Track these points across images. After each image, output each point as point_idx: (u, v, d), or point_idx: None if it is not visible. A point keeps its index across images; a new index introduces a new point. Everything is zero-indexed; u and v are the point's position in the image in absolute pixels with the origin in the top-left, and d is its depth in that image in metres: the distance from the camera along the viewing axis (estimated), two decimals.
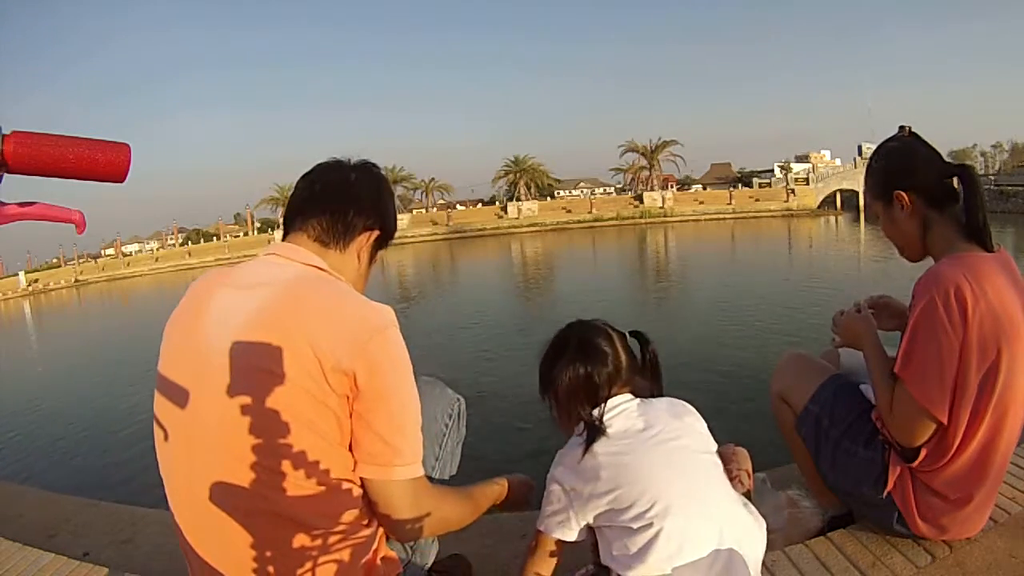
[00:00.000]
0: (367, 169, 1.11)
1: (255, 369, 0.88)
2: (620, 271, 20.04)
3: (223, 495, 0.89)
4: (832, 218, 37.41)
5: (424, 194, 58.47)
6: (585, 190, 66.35)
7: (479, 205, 58.98)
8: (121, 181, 0.59)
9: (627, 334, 1.15)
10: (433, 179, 58.10)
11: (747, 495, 1.09)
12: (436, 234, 46.45)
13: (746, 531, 1.00)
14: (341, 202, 1.06)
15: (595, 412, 1.04)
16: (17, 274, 42.52)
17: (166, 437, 0.96)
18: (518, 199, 51.54)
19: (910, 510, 1.31)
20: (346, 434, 0.92)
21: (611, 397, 1.06)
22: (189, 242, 53.33)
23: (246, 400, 0.87)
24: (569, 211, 49.09)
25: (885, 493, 1.32)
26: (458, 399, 1.34)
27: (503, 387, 6.03)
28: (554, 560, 1.09)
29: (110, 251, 54.43)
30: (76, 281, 41.87)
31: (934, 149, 1.33)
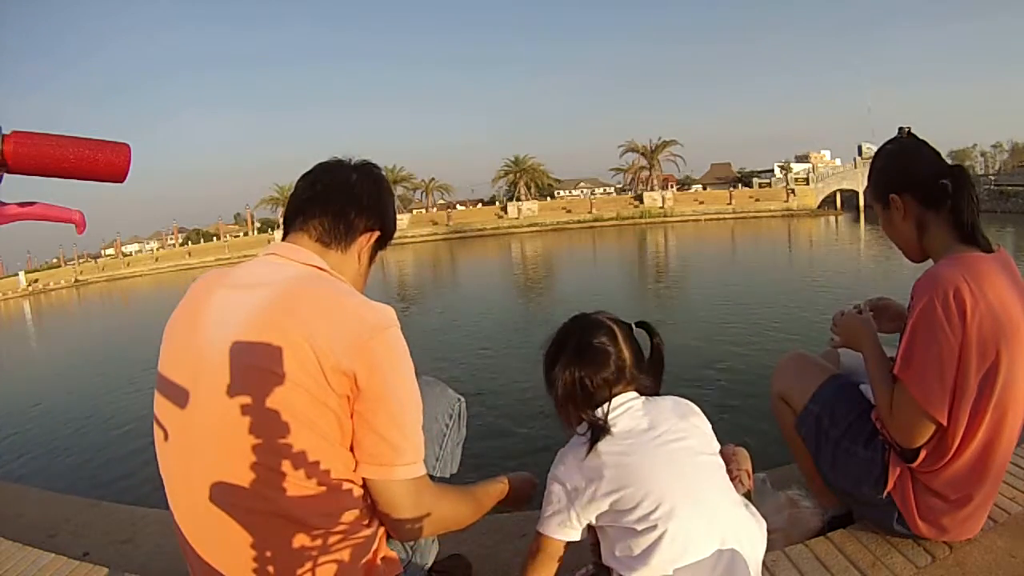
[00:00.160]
0: (368, 170, 1.11)
1: (254, 369, 0.88)
2: (620, 271, 20.04)
3: (223, 495, 0.90)
4: (832, 218, 37.41)
5: (424, 194, 58.51)
6: (585, 190, 66.36)
7: (479, 205, 58.98)
8: (121, 181, 0.59)
9: (633, 326, 1.12)
10: (433, 179, 58.26)
11: (747, 495, 1.09)
12: (436, 234, 46.47)
13: (747, 533, 0.99)
14: (343, 203, 1.06)
15: (599, 411, 1.02)
16: (17, 274, 42.56)
17: (166, 437, 0.96)
18: (518, 199, 51.55)
19: (910, 510, 1.31)
20: (347, 434, 0.92)
21: (615, 396, 1.04)
22: (189, 242, 53.38)
23: (245, 400, 0.87)
24: (569, 211, 49.11)
25: (885, 493, 1.32)
26: (458, 399, 1.34)
27: (503, 386, 6.03)
28: (556, 563, 1.07)
29: (110, 251, 54.48)
30: (76, 281, 41.89)
31: (933, 150, 1.33)
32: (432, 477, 1.02)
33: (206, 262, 39.65)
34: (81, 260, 50.03)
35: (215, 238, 53.08)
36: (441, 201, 59.88)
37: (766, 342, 7.08)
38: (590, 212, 47.56)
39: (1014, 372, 1.20)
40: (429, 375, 1.26)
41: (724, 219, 41.87)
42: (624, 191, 57.86)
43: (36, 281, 41.87)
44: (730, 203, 45.34)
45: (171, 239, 55.70)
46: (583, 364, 1.05)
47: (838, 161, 56.03)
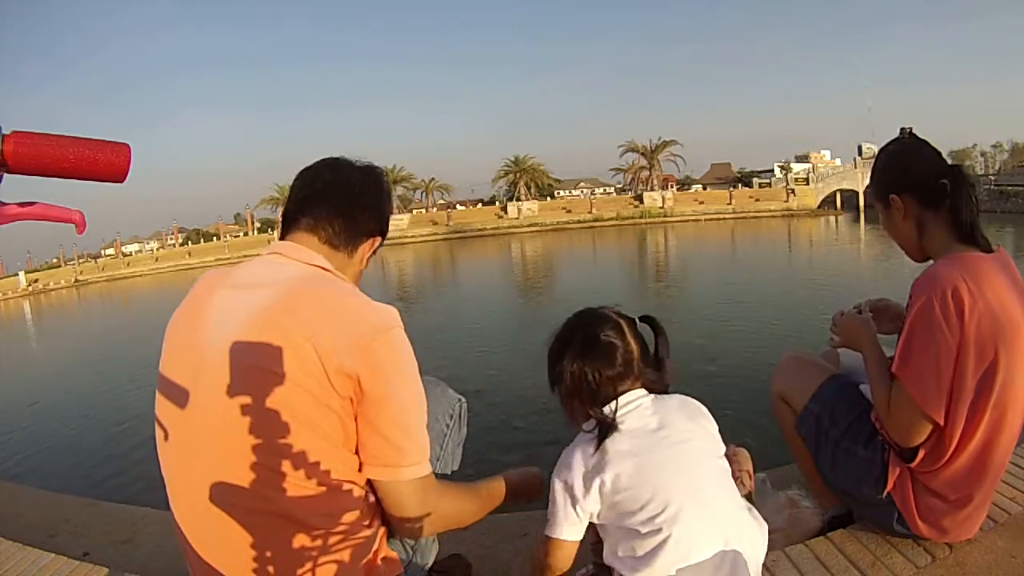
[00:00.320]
0: (374, 173, 1.11)
1: (254, 369, 0.88)
2: (620, 271, 20.03)
3: (223, 495, 0.90)
4: (832, 218, 37.41)
5: (424, 194, 58.49)
6: (585, 190, 66.33)
7: (479, 205, 58.97)
8: (121, 181, 0.59)
9: (637, 320, 1.10)
10: (433, 179, 58.22)
11: (748, 496, 1.09)
12: (436, 234, 46.44)
13: (750, 536, 0.99)
14: (353, 207, 1.06)
15: (606, 409, 1.01)
16: (17, 274, 42.54)
17: (167, 437, 0.96)
18: (518, 199, 51.54)
19: (910, 510, 1.31)
20: (349, 435, 0.92)
21: (623, 392, 1.02)
22: (189, 242, 53.36)
23: (245, 400, 0.87)
24: (569, 211, 49.10)
25: (885, 493, 1.32)
26: (459, 400, 1.34)
27: (504, 385, 6.03)
28: (570, 564, 1.04)
29: (110, 251, 54.46)
30: (76, 281, 41.87)
31: (934, 150, 1.33)
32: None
33: (206, 262, 39.64)
34: (81, 260, 50.02)
35: (215, 238, 53.08)
36: (441, 201, 59.90)
37: (766, 342, 7.08)
38: (590, 212, 47.54)
39: (1013, 372, 1.20)
40: (430, 375, 1.26)
41: (724, 219, 41.87)
42: (624, 191, 57.86)
43: (36, 281, 41.87)
44: (730, 203, 45.33)
45: (171, 239, 55.69)
46: (591, 358, 1.03)
47: (838, 161, 56.01)
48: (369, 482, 0.97)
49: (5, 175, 0.55)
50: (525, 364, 6.17)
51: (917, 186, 1.30)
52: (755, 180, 56.78)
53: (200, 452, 0.91)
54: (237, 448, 0.88)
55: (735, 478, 1.07)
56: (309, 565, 0.90)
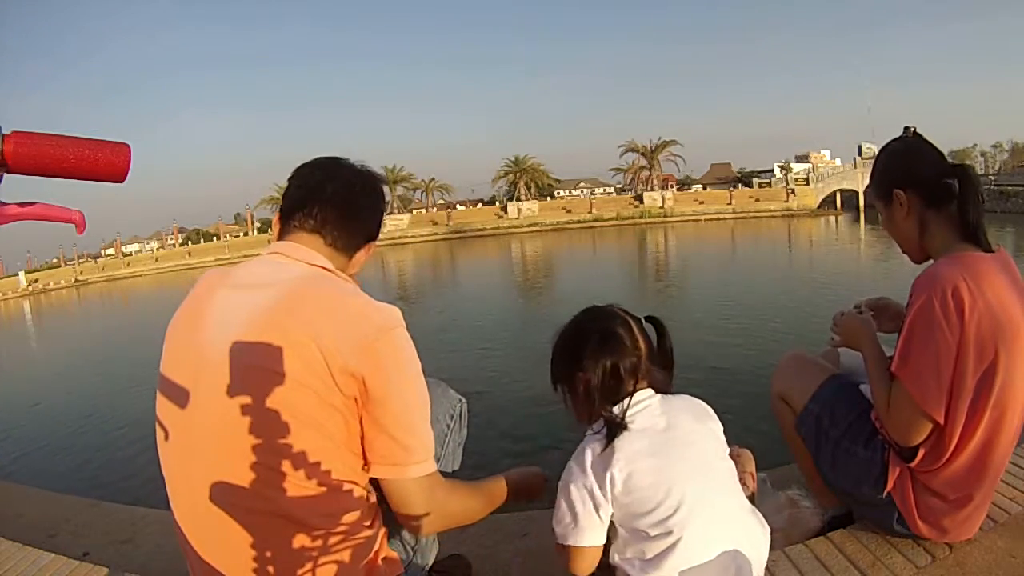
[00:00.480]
0: (373, 178, 1.11)
1: (255, 368, 0.88)
2: (620, 271, 20.03)
3: (223, 495, 0.89)
4: (832, 218, 37.42)
5: (424, 194, 58.45)
6: (585, 190, 66.32)
7: (479, 205, 58.97)
8: (121, 181, 0.59)
9: (642, 320, 1.09)
10: (433, 179, 58.18)
11: (751, 498, 1.08)
12: (436, 234, 46.44)
13: (754, 538, 0.99)
14: (355, 212, 1.06)
15: (616, 409, 0.99)
16: (17, 274, 42.58)
17: (167, 437, 0.96)
18: (518, 199, 51.54)
19: (910, 510, 1.31)
20: (353, 434, 0.92)
21: (633, 392, 1.01)
22: (189, 242, 53.38)
23: (246, 400, 0.87)
24: (569, 211, 49.10)
25: (885, 493, 1.32)
26: (460, 400, 1.34)
27: (504, 384, 6.02)
28: (593, 570, 1.01)
29: (110, 251, 54.48)
30: (76, 281, 41.88)
31: (937, 150, 1.33)
32: None
33: (206, 262, 39.61)
34: (81, 260, 50.05)
35: (215, 238, 53.08)
36: (441, 201, 59.88)
37: (766, 342, 7.09)
38: (590, 212, 47.55)
39: (1012, 372, 1.20)
40: (431, 375, 1.26)
41: (724, 219, 41.87)
42: (624, 191, 57.85)
43: (36, 281, 41.88)
44: (730, 203, 45.33)
45: (171, 239, 55.71)
46: (611, 353, 1.01)
47: (838, 161, 56.00)
48: (370, 482, 0.98)
49: (5, 175, 0.55)
50: (525, 365, 6.17)
51: (921, 184, 1.30)
52: (755, 180, 56.77)
53: (200, 452, 0.91)
54: (238, 448, 0.88)
55: (739, 480, 1.07)
56: (309, 565, 0.90)
